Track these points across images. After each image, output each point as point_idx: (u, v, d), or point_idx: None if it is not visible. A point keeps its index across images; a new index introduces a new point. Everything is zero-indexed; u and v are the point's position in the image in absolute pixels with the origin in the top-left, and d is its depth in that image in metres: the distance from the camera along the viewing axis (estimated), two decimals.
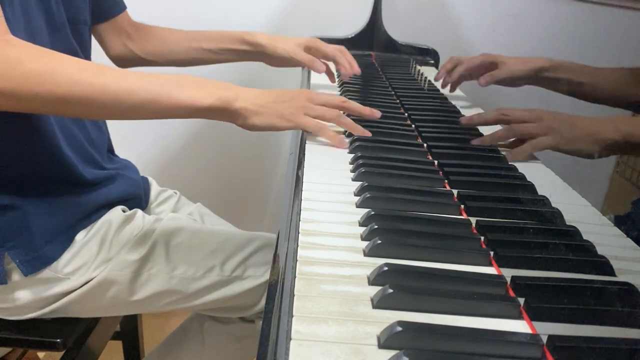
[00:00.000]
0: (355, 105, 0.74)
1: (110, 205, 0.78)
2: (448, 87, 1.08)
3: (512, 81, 0.99)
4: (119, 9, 0.91)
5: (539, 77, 0.98)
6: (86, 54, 0.80)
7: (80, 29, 0.78)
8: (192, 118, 0.64)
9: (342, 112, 0.72)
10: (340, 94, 0.98)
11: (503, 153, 0.74)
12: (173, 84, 0.62)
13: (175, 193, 0.99)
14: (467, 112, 0.93)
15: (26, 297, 0.72)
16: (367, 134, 0.72)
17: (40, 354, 1.35)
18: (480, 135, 0.78)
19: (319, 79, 1.09)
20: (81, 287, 0.74)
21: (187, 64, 0.99)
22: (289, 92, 0.69)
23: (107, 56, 0.95)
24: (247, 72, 1.51)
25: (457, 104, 0.99)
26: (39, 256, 0.70)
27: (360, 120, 0.74)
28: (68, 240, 0.72)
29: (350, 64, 0.98)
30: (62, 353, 0.77)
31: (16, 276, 0.71)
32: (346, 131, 0.74)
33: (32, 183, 0.70)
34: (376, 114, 0.75)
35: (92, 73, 0.58)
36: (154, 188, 0.96)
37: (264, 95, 0.67)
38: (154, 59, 0.97)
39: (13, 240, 0.69)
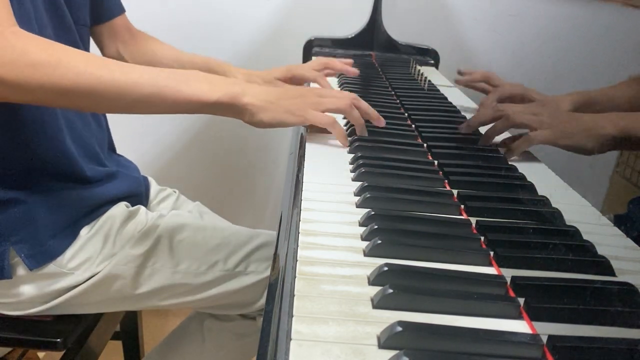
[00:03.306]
0: (365, 105, 0.72)
1: (113, 202, 0.79)
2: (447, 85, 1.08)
3: None
4: (117, 11, 0.92)
5: None
6: None
7: (81, 30, 0.78)
8: (199, 113, 0.63)
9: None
10: None
11: (503, 153, 0.74)
12: (180, 78, 0.61)
13: (175, 192, 0.99)
14: (467, 112, 0.93)
15: (30, 291, 0.73)
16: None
17: (40, 354, 1.35)
18: (480, 134, 0.78)
19: None
20: (85, 281, 0.74)
21: None
22: (298, 89, 0.68)
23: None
24: None
25: (457, 103, 0.99)
26: (43, 251, 0.71)
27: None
28: (73, 235, 0.73)
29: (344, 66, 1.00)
30: (62, 353, 0.77)
31: (21, 271, 0.71)
32: (348, 128, 0.74)
33: (36, 177, 0.70)
34: (382, 122, 0.73)
35: (98, 65, 0.58)
36: (154, 187, 0.97)
37: (273, 91, 0.66)
38: None
39: (18, 235, 0.69)
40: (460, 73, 1.06)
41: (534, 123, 0.72)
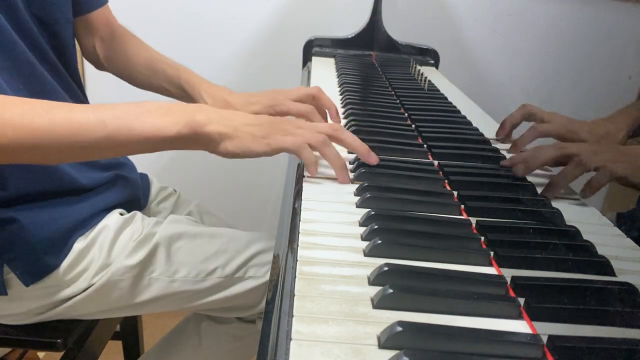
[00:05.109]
0: (350, 138, 0.61)
1: (108, 210, 0.78)
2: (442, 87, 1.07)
3: None
4: (95, 4, 0.85)
5: None
6: (61, 53, 0.75)
7: (57, 29, 0.73)
8: (160, 150, 0.56)
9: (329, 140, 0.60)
10: (340, 94, 0.98)
11: (503, 153, 0.74)
12: (132, 114, 0.54)
13: (175, 191, 0.99)
14: (467, 112, 0.93)
15: (27, 305, 0.72)
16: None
17: (40, 354, 1.35)
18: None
19: (319, 79, 1.09)
20: (82, 292, 0.73)
21: (143, 88, 0.90)
22: (273, 117, 0.61)
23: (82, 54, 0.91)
24: (247, 73, 1.51)
25: (457, 103, 0.99)
26: (38, 266, 0.70)
27: (360, 124, 0.73)
28: (67, 248, 0.72)
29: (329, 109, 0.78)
30: (62, 353, 0.77)
31: (16, 286, 0.70)
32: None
33: (28, 196, 0.69)
34: (373, 159, 0.61)
35: (38, 115, 0.52)
36: (155, 186, 0.96)
37: (242, 116, 0.59)
38: (113, 72, 0.91)
39: (12, 252, 0.68)
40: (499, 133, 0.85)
41: (596, 161, 0.63)
